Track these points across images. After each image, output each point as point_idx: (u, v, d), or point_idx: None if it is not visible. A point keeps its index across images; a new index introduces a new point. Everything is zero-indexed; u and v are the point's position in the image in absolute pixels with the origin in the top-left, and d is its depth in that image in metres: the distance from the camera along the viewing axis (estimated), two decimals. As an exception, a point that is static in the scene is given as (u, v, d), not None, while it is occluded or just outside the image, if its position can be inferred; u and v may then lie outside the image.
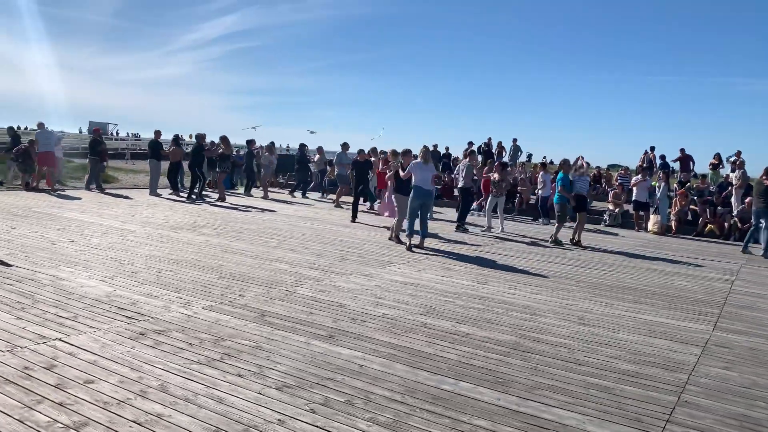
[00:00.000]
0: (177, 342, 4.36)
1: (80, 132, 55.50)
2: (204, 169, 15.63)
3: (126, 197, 15.03)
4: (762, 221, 11.59)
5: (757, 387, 4.24)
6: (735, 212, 14.81)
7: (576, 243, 11.29)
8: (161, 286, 6.02)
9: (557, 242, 11.24)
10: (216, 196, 15.79)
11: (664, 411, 3.68)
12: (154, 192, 15.99)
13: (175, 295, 5.71)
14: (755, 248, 12.04)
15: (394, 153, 11.75)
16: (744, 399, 3.99)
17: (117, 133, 53.20)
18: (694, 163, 19.73)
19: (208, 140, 16.98)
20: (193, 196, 15.12)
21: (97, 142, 16.16)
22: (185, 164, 16.99)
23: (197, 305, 5.39)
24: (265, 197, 17.05)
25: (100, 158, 16.04)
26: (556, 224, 11.47)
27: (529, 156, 24.72)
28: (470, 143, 21.22)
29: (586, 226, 12.33)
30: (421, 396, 3.66)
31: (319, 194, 19.25)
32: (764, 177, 11.46)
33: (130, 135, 51.37)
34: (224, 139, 16.48)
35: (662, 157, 19.72)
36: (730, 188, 15.68)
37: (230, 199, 15.79)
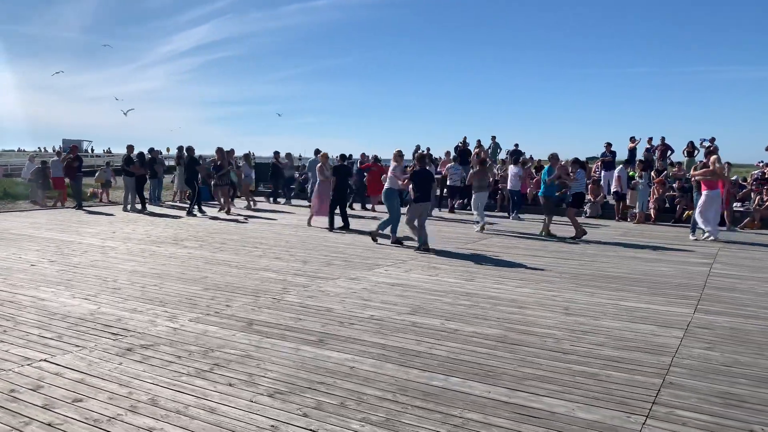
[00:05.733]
0: (165, 355, 4.34)
1: (54, 150, 54.66)
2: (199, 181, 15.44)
3: (105, 214, 14.85)
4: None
5: (738, 365, 4.35)
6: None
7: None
8: (146, 300, 5.98)
9: (550, 235, 11.53)
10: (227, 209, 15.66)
11: (649, 393, 3.77)
12: (127, 208, 15.73)
13: (160, 309, 5.67)
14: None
15: (325, 156, 12.96)
16: (726, 377, 4.09)
17: (92, 150, 52.47)
18: (672, 152, 20.04)
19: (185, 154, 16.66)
20: (194, 212, 15.01)
21: (129, 160, 15.97)
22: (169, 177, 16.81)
23: (183, 318, 5.36)
24: (249, 207, 17.03)
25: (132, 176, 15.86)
26: (547, 217, 11.79)
27: (509, 152, 24.85)
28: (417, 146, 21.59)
29: (563, 218, 12.56)
30: (413, 393, 3.70)
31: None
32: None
33: (104, 151, 50.69)
34: (218, 150, 16.30)
35: (610, 149, 19.41)
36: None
37: (212, 212, 15.64)
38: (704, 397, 3.72)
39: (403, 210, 10.26)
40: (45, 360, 4.19)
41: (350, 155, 19.42)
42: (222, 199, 15.83)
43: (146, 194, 16.72)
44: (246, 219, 14.18)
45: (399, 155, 10.54)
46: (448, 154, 19.62)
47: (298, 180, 21.53)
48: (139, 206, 15.85)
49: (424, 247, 9.60)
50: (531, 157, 20.67)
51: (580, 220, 12.40)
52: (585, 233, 11.34)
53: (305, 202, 18.16)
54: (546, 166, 12.22)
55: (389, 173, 10.41)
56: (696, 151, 19.43)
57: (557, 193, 16.28)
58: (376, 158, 17.36)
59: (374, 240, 10.37)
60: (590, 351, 4.62)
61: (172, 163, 23.17)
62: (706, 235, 11.54)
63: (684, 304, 6.27)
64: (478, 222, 12.60)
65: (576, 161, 12.30)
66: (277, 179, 19.16)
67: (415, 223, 9.80)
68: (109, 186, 19.73)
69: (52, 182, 17.28)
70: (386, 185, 10.32)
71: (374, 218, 14.61)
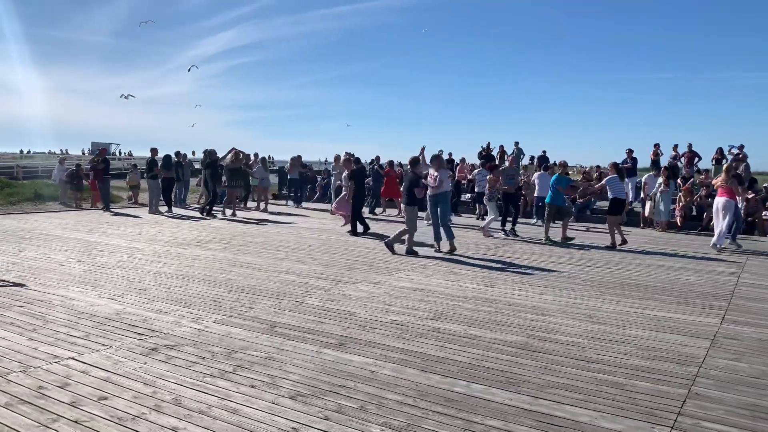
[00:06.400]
0: (189, 356, 4.40)
1: (83, 153, 56.08)
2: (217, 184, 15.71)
3: (132, 216, 15.13)
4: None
5: (766, 377, 4.24)
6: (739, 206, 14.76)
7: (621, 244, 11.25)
8: (171, 302, 6.07)
9: (552, 241, 11.50)
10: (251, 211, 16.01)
11: (675, 404, 3.70)
12: (152, 210, 15.94)
13: (185, 310, 5.75)
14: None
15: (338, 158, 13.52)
16: (754, 389, 3.99)
17: (120, 153, 53.69)
18: (700, 159, 19.63)
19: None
20: (216, 213, 15.39)
21: (154, 162, 16.23)
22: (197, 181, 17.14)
23: (208, 319, 5.43)
24: (265, 210, 17.19)
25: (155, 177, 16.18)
26: (546, 223, 11.88)
27: (532, 158, 24.64)
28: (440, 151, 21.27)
29: (588, 223, 12.43)
30: (434, 399, 3.69)
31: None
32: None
33: (125, 154, 51.89)
34: (234, 154, 16.53)
35: (631, 155, 18.90)
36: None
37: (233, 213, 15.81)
38: (731, 409, 3.63)
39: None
40: (72, 358, 4.28)
41: (377, 157, 19.47)
42: (240, 201, 16.17)
43: (172, 197, 17.04)
44: (264, 222, 14.31)
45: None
46: (463, 160, 19.60)
47: (320, 184, 21.63)
48: (164, 208, 16.11)
49: (408, 250, 9.62)
50: (555, 163, 20.50)
51: (599, 226, 12.22)
52: (614, 247, 11.10)
53: (325, 206, 18.29)
54: (555, 174, 12.14)
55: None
56: (725, 159, 19.02)
57: (580, 201, 16.16)
58: (391, 163, 17.54)
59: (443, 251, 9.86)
60: (615, 360, 4.55)
61: (199, 166, 23.53)
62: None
63: (711, 313, 6.15)
64: (494, 228, 12.56)
65: (613, 165, 11.95)
66: (291, 183, 19.42)
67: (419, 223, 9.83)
68: (138, 188, 20.17)
69: (87, 184, 18.15)
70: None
71: (381, 221, 14.62)
